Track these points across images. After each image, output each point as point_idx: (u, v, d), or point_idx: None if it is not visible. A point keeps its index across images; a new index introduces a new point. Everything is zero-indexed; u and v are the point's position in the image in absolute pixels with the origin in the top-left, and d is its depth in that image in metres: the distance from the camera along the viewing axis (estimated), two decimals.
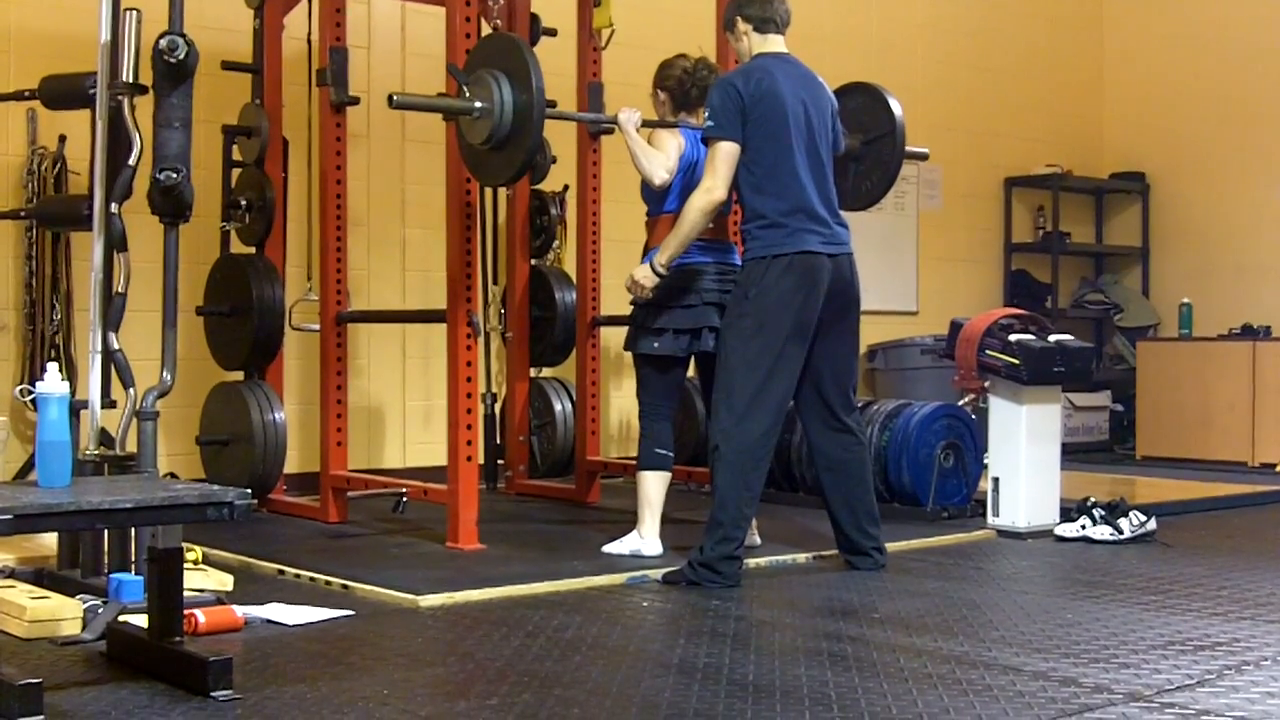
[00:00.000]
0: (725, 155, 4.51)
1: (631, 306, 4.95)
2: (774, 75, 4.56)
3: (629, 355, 5.07)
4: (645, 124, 5.02)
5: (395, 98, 4.62)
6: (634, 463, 5.11)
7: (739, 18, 4.69)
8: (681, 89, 5.07)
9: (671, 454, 4.93)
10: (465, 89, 4.67)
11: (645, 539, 4.85)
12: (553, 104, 6.32)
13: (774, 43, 4.69)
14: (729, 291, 4.75)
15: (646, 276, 4.75)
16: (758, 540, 5.06)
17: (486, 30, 6.10)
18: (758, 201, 4.53)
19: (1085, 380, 6.44)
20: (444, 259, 5.20)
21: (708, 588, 4.35)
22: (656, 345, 4.85)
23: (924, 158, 6.18)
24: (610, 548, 4.90)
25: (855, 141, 5.22)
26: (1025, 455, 5.51)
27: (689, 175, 4.88)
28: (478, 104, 4.63)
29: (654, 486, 4.86)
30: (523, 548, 5.09)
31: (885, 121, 5.26)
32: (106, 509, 3.00)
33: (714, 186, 4.53)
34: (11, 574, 4.06)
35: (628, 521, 5.05)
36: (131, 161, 4.15)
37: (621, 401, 7.33)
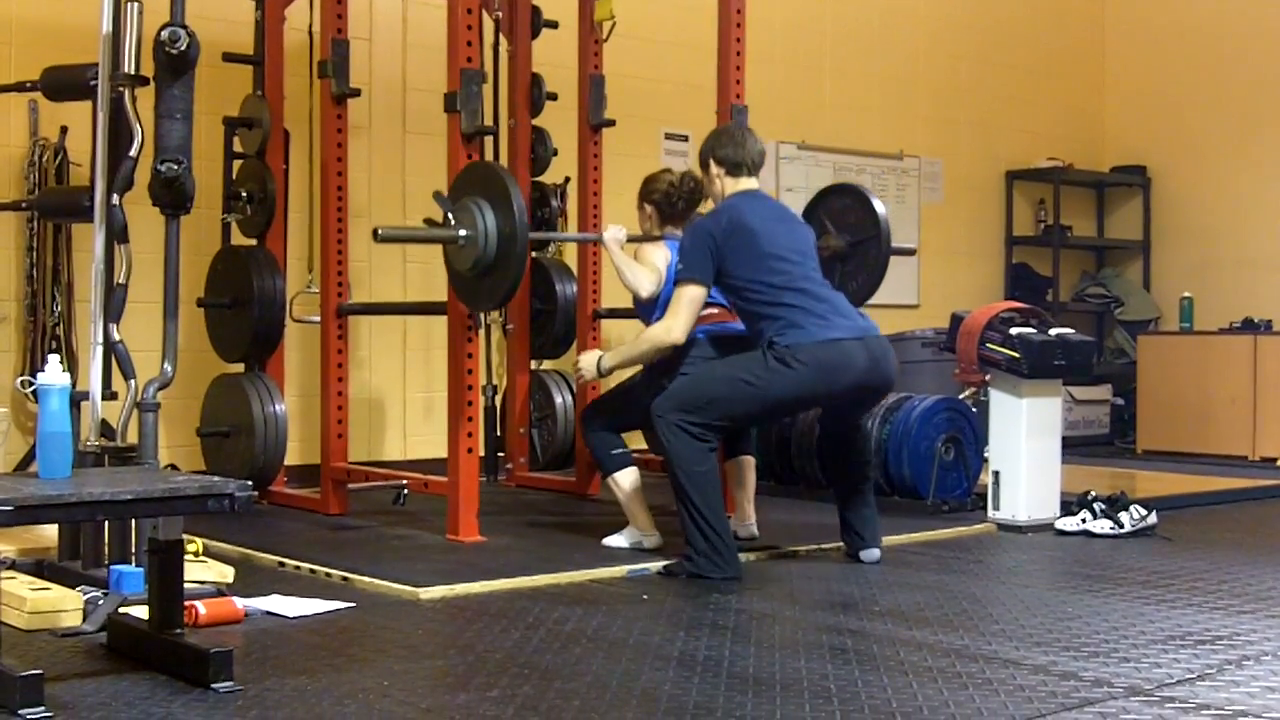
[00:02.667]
0: (690, 299, 4.55)
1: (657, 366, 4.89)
2: (743, 210, 4.59)
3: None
4: (630, 239, 5.10)
5: (380, 231, 4.72)
6: (636, 456, 5.11)
7: (712, 160, 4.73)
8: (668, 202, 5.13)
9: (627, 448, 4.95)
10: (450, 217, 4.72)
11: (644, 530, 4.86)
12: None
13: (746, 183, 4.72)
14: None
15: (589, 369, 4.87)
16: (755, 532, 5.07)
17: (488, 22, 6.12)
18: (765, 320, 4.48)
19: (1086, 374, 6.43)
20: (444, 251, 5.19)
21: (709, 577, 4.36)
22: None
23: (911, 253, 6.30)
24: (610, 541, 4.90)
25: (841, 242, 5.31)
26: (1026, 449, 5.51)
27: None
28: (462, 232, 4.69)
29: (628, 483, 4.88)
30: (523, 540, 5.09)
31: (870, 224, 5.32)
32: (107, 500, 3.00)
33: (674, 327, 4.56)
34: (12, 565, 4.05)
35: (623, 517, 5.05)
36: (133, 153, 4.14)
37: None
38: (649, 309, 4.95)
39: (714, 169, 4.73)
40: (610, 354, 4.86)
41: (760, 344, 4.46)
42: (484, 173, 4.83)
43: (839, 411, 4.74)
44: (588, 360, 4.91)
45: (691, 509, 4.38)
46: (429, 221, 4.95)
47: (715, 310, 4.93)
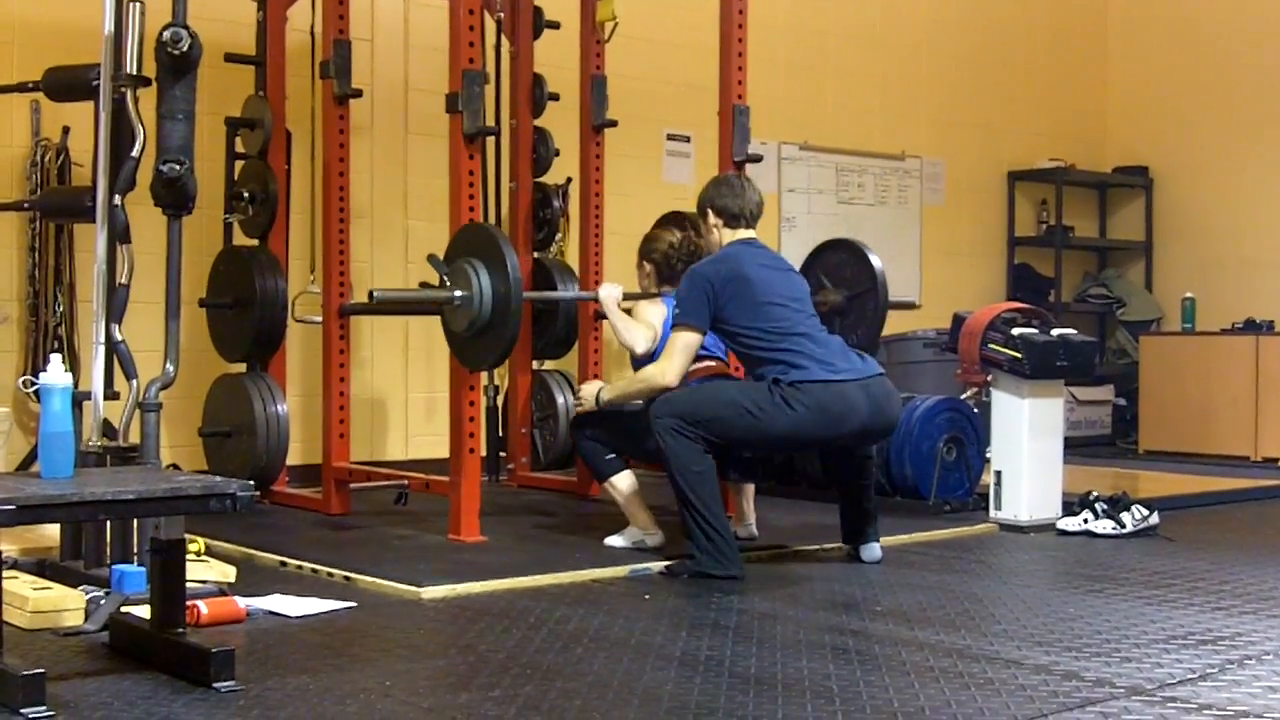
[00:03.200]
0: (685, 344, 4.58)
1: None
2: (741, 259, 4.62)
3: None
4: (627, 296, 5.16)
5: (376, 294, 4.85)
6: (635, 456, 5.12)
7: (710, 210, 4.75)
8: (667, 263, 5.20)
9: (616, 454, 4.94)
10: (446, 279, 4.78)
11: (645, 530, 4.87)
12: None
13: (743, 234, 4.75)
14: None
15: (588, 399, 4.89)
16: (755, 532, 5.07)
17: (490, 23, 6.12)
18: (768, 364, 4.50)
19: (1088, 374, 6.43)
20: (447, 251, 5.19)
21: (711, 576, 4.36)
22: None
23: (912, 307, 6.36)
24: (612, 540, 4.90)
25: (839, 297, 5.39)
26: (1028, 449, 5.51)
27: None
28: (458, 293, 4.75)
29: (625, 486, 4.90)
30: (525, 540, 5.09)
31: (867, 278, 5.40)
32: (109, 500, 3.00)
33: (668, 371, 4.58)
34: (14, 565, 4.06)
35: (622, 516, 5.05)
36: (135, 153, 4.15)
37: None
38: (646, 364, 4.91)
39: (712, 218, 4.77)
40: (609, 388, 4.89)
41: (765, 381, 4.47)
42: (479, 235, 4.88)
43: (840, 450, 4.74)
44: (588, 391, 4.94)
45: (692, 509, 4.38)
46: (425, 285, 5.00)
47: (712, 363, 4.97)
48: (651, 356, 4.94)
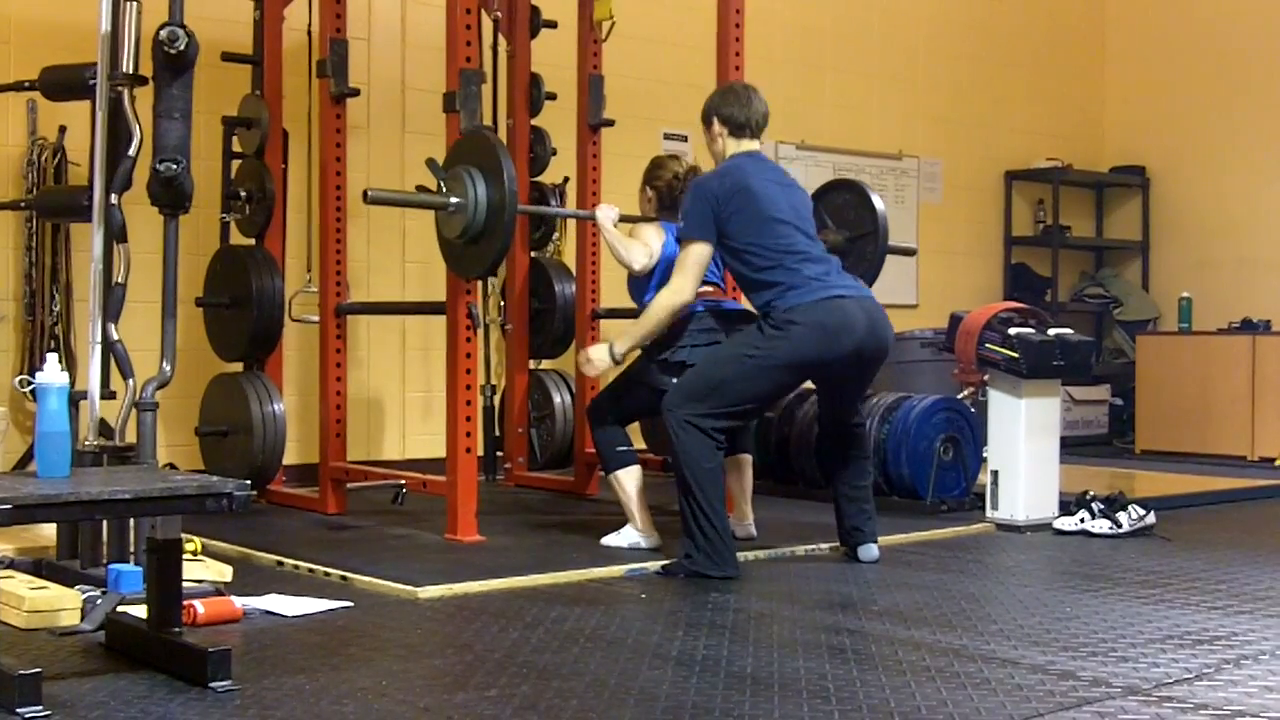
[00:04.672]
0: (696, 256, 4.56)
1: (656, 346, 4.88)
2: (745, 170, 4.60)
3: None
4: (624, 219, 5.13)
5: (370, 194, 4.75)
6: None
7: (716, 118, 4.72)
8: (670, 192, 5.17)
9: (632, 446, 4.99)
10: (442, 185, 4.78)
11: (642, 531, 4.87)
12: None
13: (747, 145, 4.72)
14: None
15: (601, 360, 4.83)
16: (753, 532, 5.07)
17: (487, 22, 6.12)
18: (765, 286, 4.49)
19: (1085, 374, 6.43)
20: None
21: (707, 576, 4.36)
22: (675, 381, 4.77)
23: (911, 253, 6.31)
24: (608, 540, 4.90)
25: (840, 237, 5.35)
26: (1024, 449, 5.51)
27: (671, 265, 4.91)
28: (453, 200, 4.75)
29: (630, 482, 4.90)
30: (522, 540, 5.09)
31: (869, 220, 5.36)
32: (105, 500, 3.00)
33: (682, 288, 4.57)
34: (10, 564, 4.06)
35: (621, 515, 5.05)
36: (131, 152, 4.15)
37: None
38: (642, 286, 4.99)
39: (716, 127, 4.72)
40: (621, 339, 4.81)
41: (760, 315, 4.49)
42: (478, 143, 4.87)
43: (839, 392, 4.71)
44: (598, 352, 4.86)
45: (694, 506, 4.38)
46: (421, 189, 4.97)
47: (710, 288, 4.96)
48: (648, 277, 4.94)
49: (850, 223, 5.40)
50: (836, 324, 4.41)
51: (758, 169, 4.64)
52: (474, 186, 4.72)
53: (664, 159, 5.33)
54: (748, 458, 5.16)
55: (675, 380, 4.75)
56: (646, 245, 5.01)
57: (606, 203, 5.20)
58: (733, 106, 4.69)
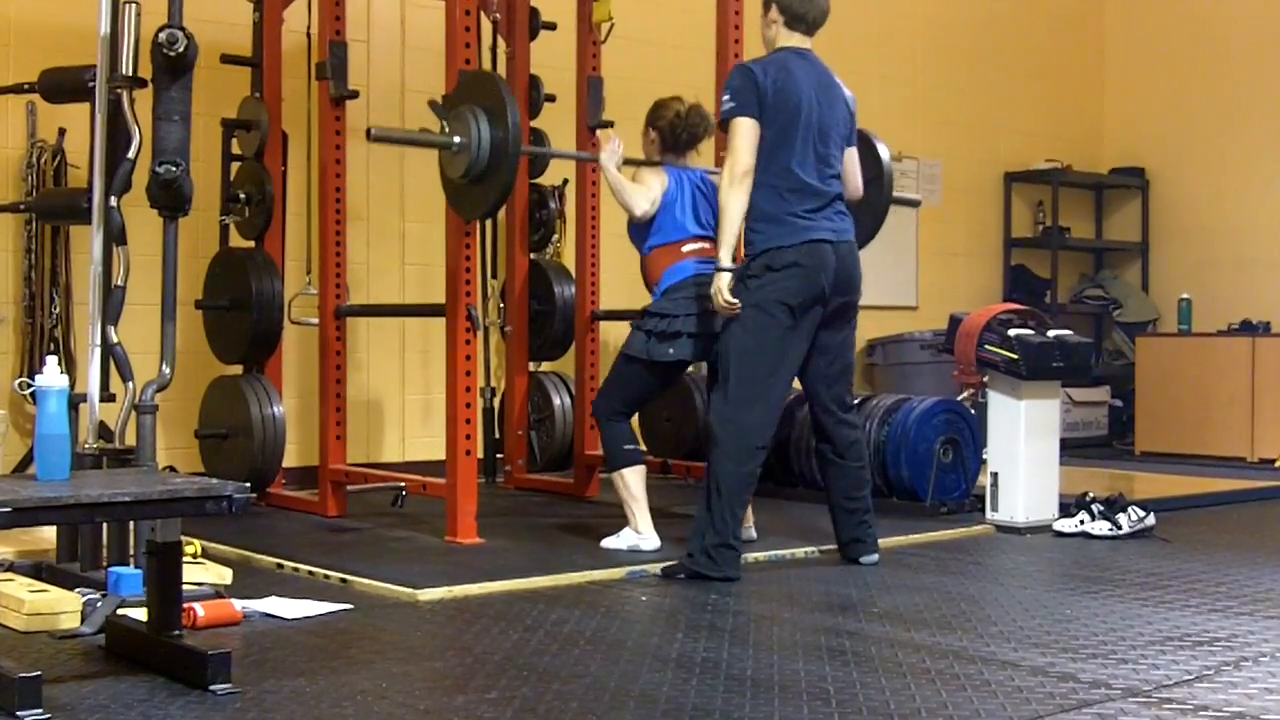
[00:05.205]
0: (745, 130, 4.50)
1: (645, 316, 4.93)
2: (792, 73, 4.57)
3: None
4: (628, 162, 5.12)
5: (374, 131, 4.75)
6: None
7: (775, 3, 4.69)
8: (673, 132, 5.15)
9: (639, 446, 4.99)
10: (445, 124, 4.77)
11: (642, 533, 4.86)
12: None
13: (798, 40, 4.70)
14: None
15: (726, 283, 4.56)
16: (753, 534, 5.07)
17: (486, 24, 6.12)
18: (758, 196, 4.52)
19: (1084, 375, 6.44)
20: (443, 253, 5.20)
21: (708, 578, 4.36)
22: (671, 351, 4.85)
23: (915, 204, 6.28)
24: (608, 542, 4.90)
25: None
26: (1024, 450, 5.51)
27: (672, 212, 4.97)
28: (456, 139, 4.74)
29: (635, 482, 4.89)
30: (521, 542, 5.09)
31: (873, 166, 5.32)
32: (105, 502, 3.00)
33: (735, 160, 4.50)
34: (10, 567, 4.06)
35: (625, 516, 5.05)
36: (131, 155, 4.14)
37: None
38: (643, 231, 4.99)
39: (774, 12, 4.70)
40: (721, 251, 4.55)
41: (746, 261, 4.54)
42: (482, 82, 4.86)
43: (822, 352, 4.66)
44: (722, 280, 4.49)
45: (716, 504, 4.40)
46: (424, 130, 5.00)
47: (707, 245, 4.95)
48: (650, 221, 4.94)
49: None
50: (812, 265, 4.47)
51: (805, 71, 4.62)
52: (478, 125, 4.71)
53: (666, 100, 5.24)
54: None
55: (672, 349, 4.79)
56: (649, 190, 4.98)
57: (609, 145, 5.14)
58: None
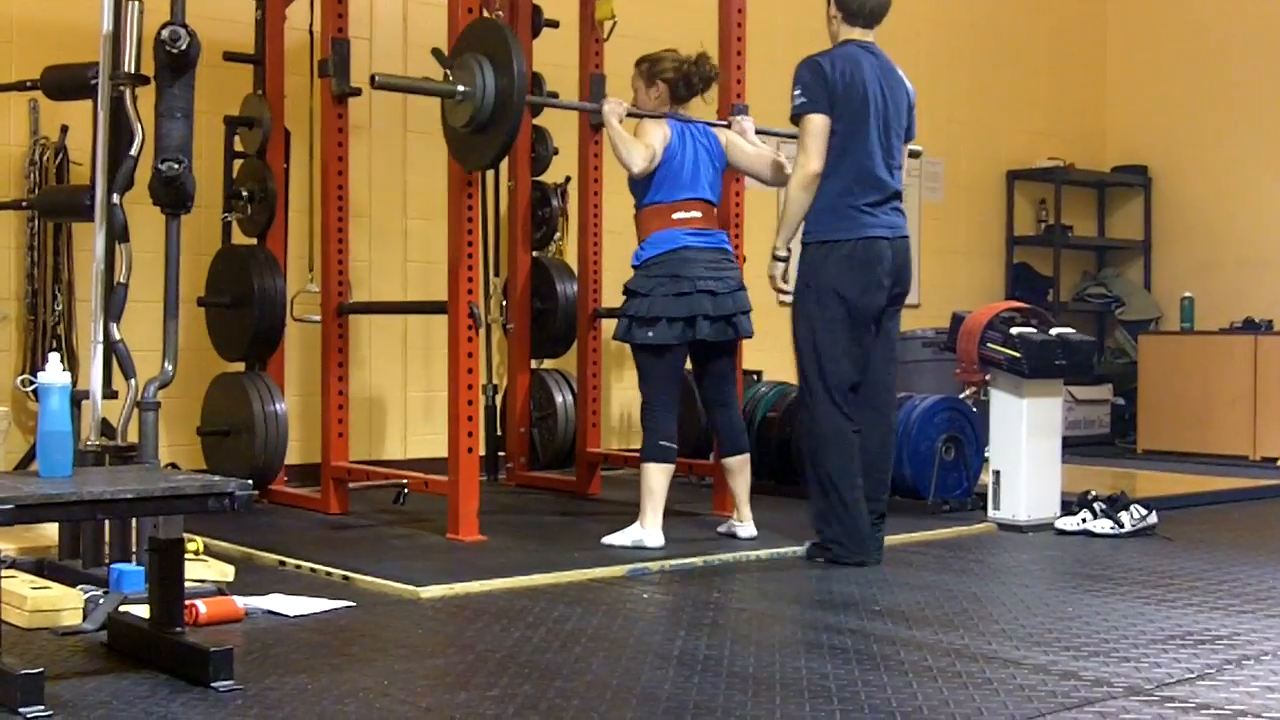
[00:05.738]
0: (817, 128, 4.61)
1: (625, 296, 4.97)
2: (860, 64, 4.68)
3: (629, 346, 5.08)
4: (632, 114, 5.08)
5: (378, 78, 4.72)
6: (635, 455, 5.13)
7: (832, 1, 4.80)
8: (684, 81, 5.11)
9: (675, 446, 4.93)
10: (449, 73, 4.75)
11: (647, 530, 4.85)
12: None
13: (859, 33, 4.80)
14: (722, 278, 4.90)
15: (778, 269, 4.78)
16: (754, 532, 5.07)
17: None
18: (824, 184, 4.63)
19: (1086, 374, 6.43)
20: (445, 250, 5.20)
21: (842, 563, 4.60)
22: (651, 335, 4.87)
23: (916, 155, 6.27)
24: (611, 539, 4.89)
25: None
26: (1026, 448, 5.51)
27: (672, 168, 4.95)
28: (460, 87, 4.72)
29: (658, 479, 4.87)
30: (523, 539, 5.09)
31: None
32: (108, 499, 3.00)
33: (807, 161, 4.62)
34: (13, 564, 4.06)
35: (628, 514, 5.05)
36: (133, 152, 4.14)
37: (623, 393, 7.33)
38: (642, 187, 4.99)
39: (832, 8, 4.82)
40: (777, 239, 4.75)
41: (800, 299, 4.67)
42: (486, 29, 4.84)
43: (870, 345, 4.74)
44: (774, 269, 4.77)
45: (834, 498, 4.60)
46: (427, 79, 5.02)
47: (698, 214, 4.96)
48: (652, 181, 4.94)
49: None
50: (866, 258, 4.61)
51: (870, 65, 4.72)
52: (482, 74, 4.69)
53: (659, 54, 5.20)
54: (746, 458, 5.15)
55: (651, 333, 4.84)
56: (650, 146, 4.94)
57: (614, 98, 5.17)
58: None
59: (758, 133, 5.27)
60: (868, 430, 4.72)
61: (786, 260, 4.77)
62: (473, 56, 4.73)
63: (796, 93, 4.64)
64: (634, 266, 5.00)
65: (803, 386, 4.73)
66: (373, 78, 4.71)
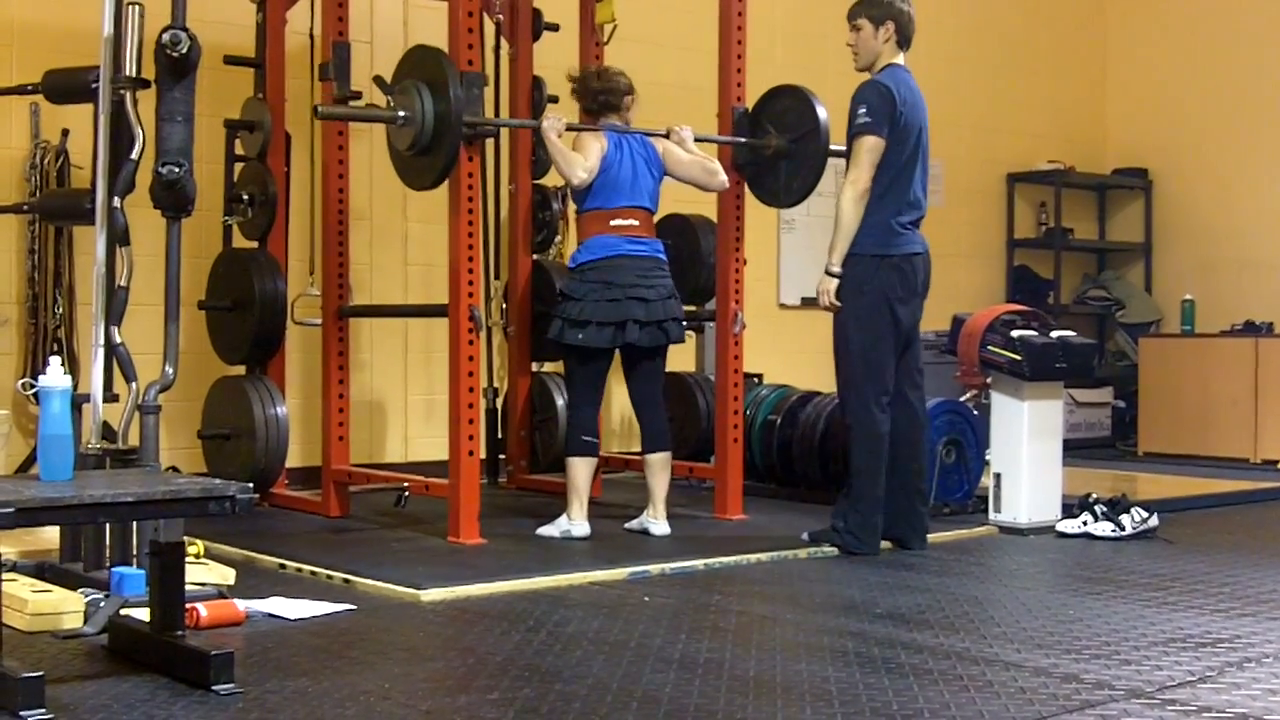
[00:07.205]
0: (871, 148, 4.84)
1: (560, 298, 5.13)
2: (913, 90, 4.94)
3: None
4: (570, 128, 5.25)
5: (320, 110, 5.02)
6: (637, 457, 5.15)
7: (893, 21, 4.95)
8: (588, 94, 5.33)
9: (597, 440, 5.20)
10: (390, 99, 4.96)
11: (574, 521, 5.04)
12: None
13: (900, 59, 5.00)
14: (654, 286, 5.06)
15: (832, 285, 4.92)
16: (668, 529, 5.14)
17: (489, 25, 6.12)
18: (876, 204, 4.86)
19: (1087, 376, 6.44)
20: (446, 253, 5.20)
21: (854, 552, 4.81)
22: (581, 337, 5.05)
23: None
24: (542, 530, 5.08)
25: (783, 142, 5.51)
26: (1027, 451, 5.51)
27: (610, 175, 5.11)
28: (401, 113, 4.92)
29: (581, 472, 5.08)
30: (524, 542, 5.09)
31: (810, 120, 5.49)
32: (108, 503, 3.00)
33: (858, 179, 4.85)
34: (14, 567, 4.06)
35: (628, 514, 5.06)
36: (134, 156, 4.15)
37: (623, 397, 7.28)
38: (582, 193, 5.14)
39: (888, 29, 4.97)
40: (831, 255, 4.90)
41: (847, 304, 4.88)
42: (426, 56, 5.02)
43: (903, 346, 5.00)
44: (826, 283, 4.92)
45: (857, 488, 4.79)
46: (371, 106, 5.20)
47: (636, 222, 5.11)
48: (587, 189, 5.09)
49: (791, 126, 5.52)
50: (908, 271, 4.94)
51: (912, 88, 4.98)
52: (421, 100, 4.88)
53: (569, 76, 5.49)
54: (667, 456, 5.24)
55: (581, 335, 5.00)
56: (586, 158, 5.10)
57: (552, 114, 5.34)
58: (905, 15, 4.96)
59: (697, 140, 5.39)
60: (907, 419, 5.00)
61: (840, 278, 4.91)
62: (413, 83, 4.93)
63: (861, 111, 4.83)
64: (569, 269, 5.20)
65: (843, 387, 4.91)
66: (315, 109, 4.99)
